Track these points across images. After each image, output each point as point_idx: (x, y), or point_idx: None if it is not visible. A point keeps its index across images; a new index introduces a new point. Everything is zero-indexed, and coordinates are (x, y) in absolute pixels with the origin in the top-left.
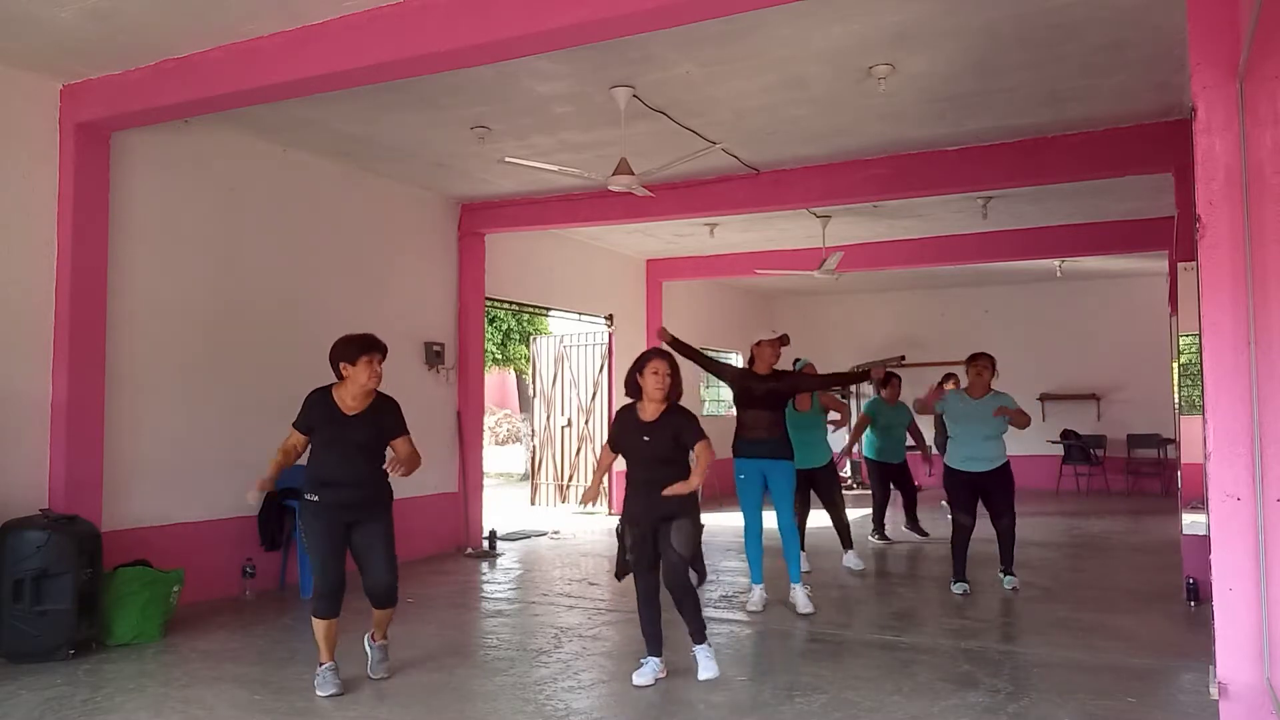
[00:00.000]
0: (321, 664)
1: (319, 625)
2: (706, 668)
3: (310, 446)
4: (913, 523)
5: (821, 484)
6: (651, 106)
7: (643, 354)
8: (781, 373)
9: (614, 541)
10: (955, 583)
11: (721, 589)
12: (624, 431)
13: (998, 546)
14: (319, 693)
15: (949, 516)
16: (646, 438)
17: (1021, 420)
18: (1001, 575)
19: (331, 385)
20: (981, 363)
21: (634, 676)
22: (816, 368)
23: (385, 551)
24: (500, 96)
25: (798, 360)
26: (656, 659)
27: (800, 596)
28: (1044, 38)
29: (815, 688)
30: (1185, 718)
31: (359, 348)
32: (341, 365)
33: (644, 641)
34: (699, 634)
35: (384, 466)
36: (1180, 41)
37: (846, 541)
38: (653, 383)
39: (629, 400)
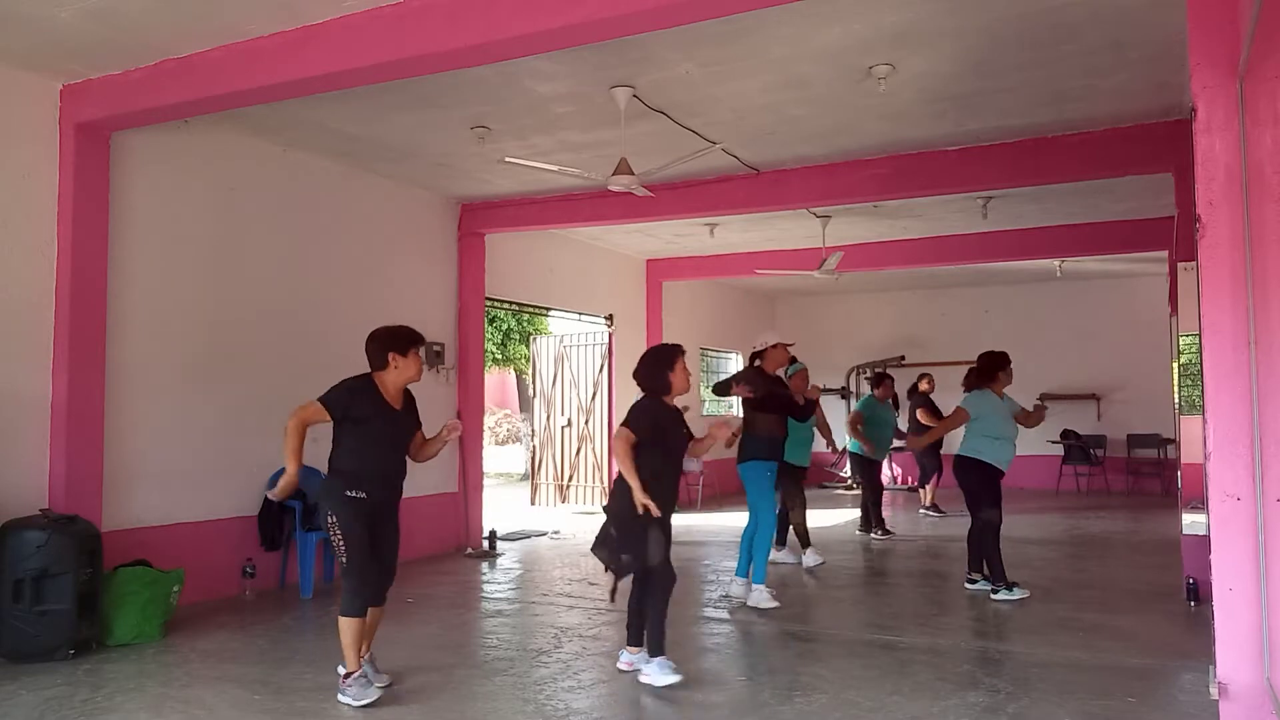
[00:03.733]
0: (352, 673)
1: (355, 626)
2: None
3: (346, 440)
4: (878, 523)
5: (801, 480)
6: (651, 106)
7: (669, 349)
8: (778, 378)
9: None
10: (1010, 588)
11: (721, 589)
12: (668, 424)
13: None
14: (360, 702)
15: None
16: (684, 430)
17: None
18: (976, 581)
19: (370, 375)
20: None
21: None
22: (810, 372)
23: (397, 543)
24: (500, 96)
25: (794, 361)
26: (637, 651)
27: (763, 596)
28: (1044, 38)
29: (815, 688)
30: (1185, 718)
31: (411, 339)
32: (392, 355)
33: (629, 632)
34: (660, 644)
35: (444, 436)
36: (1180, 41)
37: (805, 540)
38: (684, 378)
39: (644, 396)
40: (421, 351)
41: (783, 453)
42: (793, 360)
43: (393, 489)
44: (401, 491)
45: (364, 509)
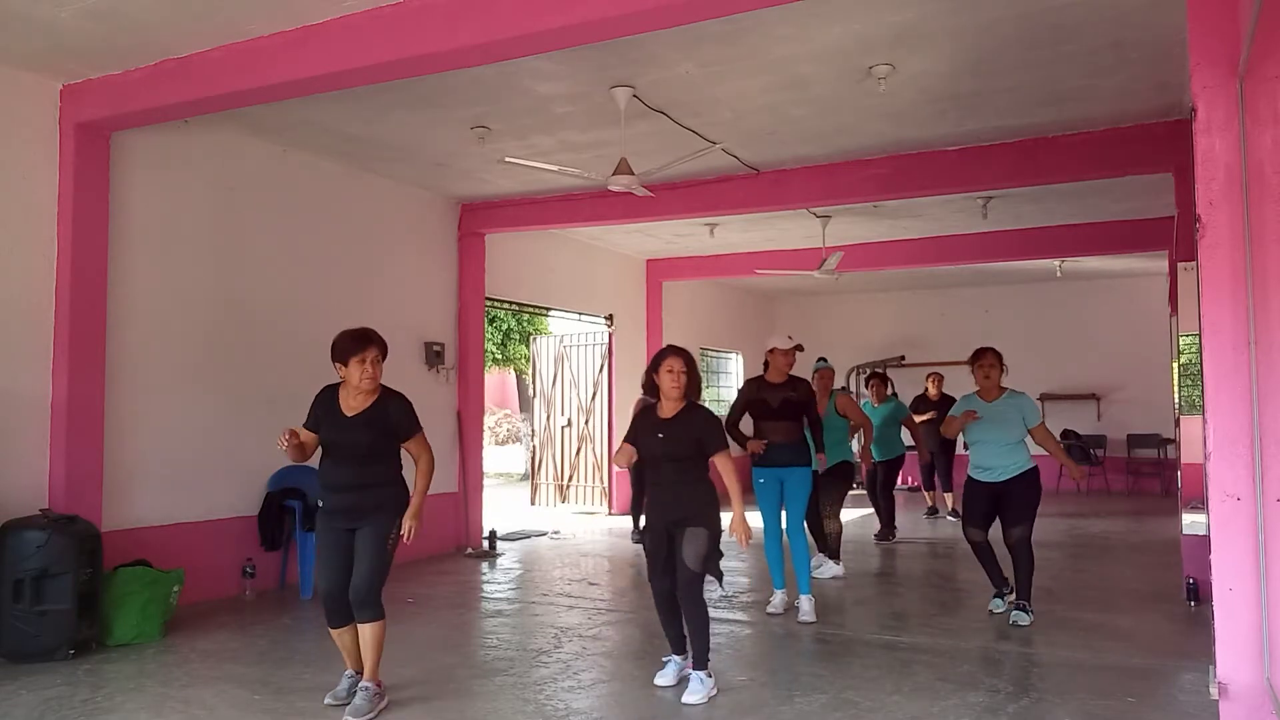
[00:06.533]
0: (345, 672)
1: (331, 634)
2: (694, 690)
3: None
4: (887, 530)
5: (830, 484)
6: (651, 106)
7: (658, 352)
8: (797, 380)
9: (615, 542)
10: (993, 597)
11: (721, 590)
12: (642, 428)
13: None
14: (326, 699)
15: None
16: (661, 434)
17: (1063, 456)
18: (1006, 605)
19: (340, 383)
20: (988, 360)
21: (656, 677)
22: (835, 369)
23: (368, 558)
24: (500, 96)
25: (821, 359)
26: (680, 657)
27: (805, 605)
28: (1044, 38)
29: (815, 688)
30: (1185, 718)
31: (348, 348)
32: (335, 366)
33: (667, 641)
34: (700, 658)
35: (401, 534)
36: (1180, 41)
37: (822, 545)
38: (668, 381)
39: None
40: (370, 356)
41: (779, 458)
42: (821, 359)
43: (348, 499)
44: (368, 504)
45: (327, 518)
